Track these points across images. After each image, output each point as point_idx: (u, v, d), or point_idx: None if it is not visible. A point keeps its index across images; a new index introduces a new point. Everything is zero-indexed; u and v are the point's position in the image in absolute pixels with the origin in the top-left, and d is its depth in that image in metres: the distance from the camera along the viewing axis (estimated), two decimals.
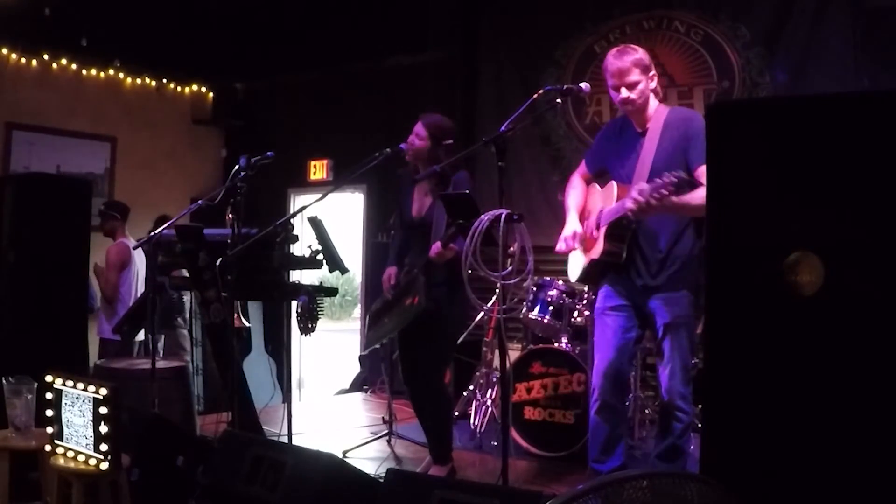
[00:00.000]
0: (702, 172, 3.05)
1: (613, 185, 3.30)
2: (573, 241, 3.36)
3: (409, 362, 3.85)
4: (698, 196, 3.00)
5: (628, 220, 3.16)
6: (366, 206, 7.52)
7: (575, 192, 3.55)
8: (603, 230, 3.26)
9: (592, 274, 3.43)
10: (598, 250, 3.28)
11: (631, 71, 3.21)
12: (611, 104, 5.86)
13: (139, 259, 5.76)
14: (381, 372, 6.10)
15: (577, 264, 3.49)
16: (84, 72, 7.54)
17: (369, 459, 4.21)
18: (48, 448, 2.95)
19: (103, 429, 2.77)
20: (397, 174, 3.92)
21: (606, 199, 3.31)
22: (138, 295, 5.77)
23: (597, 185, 3.50)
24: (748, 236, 2.07)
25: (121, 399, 2.82)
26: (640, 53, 3.26)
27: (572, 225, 3.41)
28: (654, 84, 3.25)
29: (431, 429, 3.81)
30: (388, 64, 7.25)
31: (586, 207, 3.49)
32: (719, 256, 2.15)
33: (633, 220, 3.15)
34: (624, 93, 3.23)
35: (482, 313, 4.56)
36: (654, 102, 3.28)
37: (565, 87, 3.18)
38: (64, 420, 2.91)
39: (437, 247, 3.40)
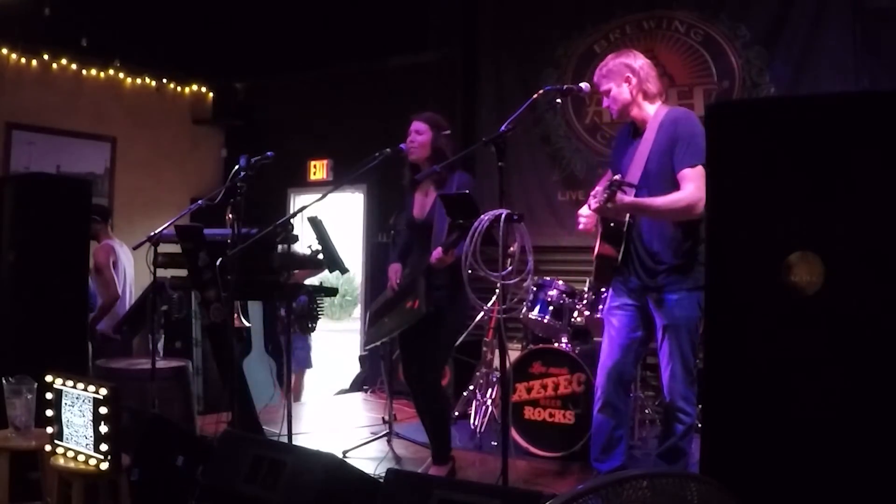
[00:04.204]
0: (683, 176, 3.10)
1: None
2: (587, 219, 3.38)
3: (410, 362, 3.85)
4: (664, 200, 3.08)
5: (616, 221, 3.22)
6: (366, 206, 7.52)
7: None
8: (599, 231, 3.30)
9: (603, 275, 3.45)
10: (595, 250, 3.32)
11: (600, 83, 3.34)
12: None
13: (126, 258, 5.75)
14: (381, 372, 6.10)
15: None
16: (84, 72, 7.55)
17: (369, 459, 4.21)
18: (48, 448, 2.95)
19: (103, 429, 2.77)
20: (402, 184, 3.91)
21: None
22: (129, 296, 5.77)
23: None
24: (748, 236, 2.07)
25: (121, 399, 2.82)
26: (610, 63, 3.32)
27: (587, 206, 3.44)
28: (630, 86, 3.26)
29: (430, 428, 3.82)
30: (388, 64, 7.26)
31: None
32: (719, 256, 2.15)
33: (620, 221, 3.22)
34: (604, 101, 3.38)
35: (482, 313, 4.56)
36: (647, 104, 3.29)
37: (565, 87, 3.20)
38: (64, 420, 2.91)
39: (437, 252, 3.40)
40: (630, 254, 3.28)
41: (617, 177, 3.02)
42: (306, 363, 6.67)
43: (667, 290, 3.22)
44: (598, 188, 3.09)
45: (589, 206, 3.14)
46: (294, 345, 6.50)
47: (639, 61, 3.30)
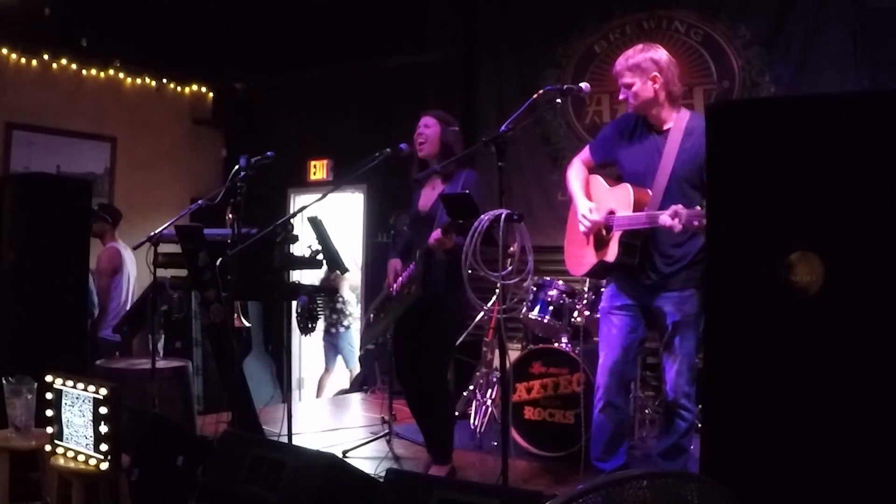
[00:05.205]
0: None
1: (628, 187, 3.24)
2: (592, 216, 3.32)
3: (406, 362, 3.84)
4: None
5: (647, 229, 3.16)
6: (366, 206, 7.52)
7: (577, 176, 3.52)
8: (617, 236, 3.23)
9: (599, 271, 3.44)
10: (612, 254, 3.25)
11: (623, 74, 3.26)
12: (611, 104, 5.88)
13: (130, 262, 5.77)
14: (383, 372, 6.11)
15: (581, 261, 3.48)
16: (84, 72, 7.54)
17: (369, 459, 4.21)
18: (48, 448, 2.95)
19: (103, 429, 2.77)
20: (412, 179, 3.91)
21: (619, 201, 3.26)
22: (131, 297, 5.78)
23: (600, 178, 3.47)
24: (748, 236, 2.07)
25: (121, 399, 2.82)
26: (638, 57, 3.24)
27: (586, 203, 3.38)
28: (656, 86, 3.21)
29: (432, 428, 3.81)
30: (389, 64, 7.25)
31: (589, 195, 3.47)
32: (719, 256, 2.16)
33: (641, 233, 3.17)
34: (622, 93, 3.29)
35: (482, 313, 4.56)
36: (670, 106, 3.25)
37: (565, 87, 3.17)
38: (64, 420, 2.91)
39: (436, 234, 3.39)
40: (642, 253, 3.25)
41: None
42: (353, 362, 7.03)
43: (677, 288, 3.21)
44: (682, 209, 2.93)
45: (673, 227, 2.97)
46: (343, 343, 6.90)
47: (665, 59, 3.25)
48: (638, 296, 3.31)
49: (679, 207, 2.96)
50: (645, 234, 3.20)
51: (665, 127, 3.26)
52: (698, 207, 2.93)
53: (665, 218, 2.99)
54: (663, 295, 3.24)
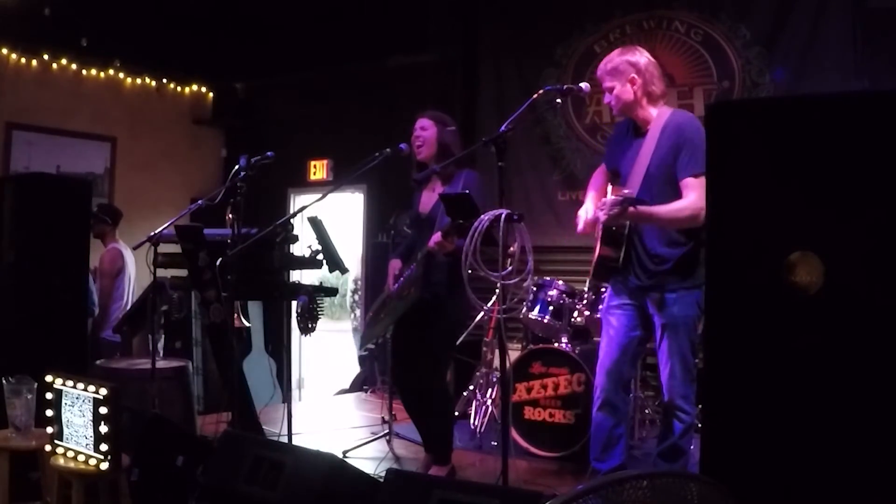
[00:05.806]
0: (686, 184, 3.09)
1: (610, 188, 3.38)
2: (585, 222, 3.38)
3: (405, 362, 3.84)
4: (668, 209, 3.09)
5: (618, 225, 3.23)
6: (366, 206, 7.53)
7: (597, 180, 3.60)
8: (598, 234, 3.32)
9: (600, 273, 3.47)
10: (595, 253, 3.34)
11: (603, 78, 3.32)
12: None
13: (131, 262, 5.77)
14: (383, 372, 6.11)
15: (590, 265, 3.55)
16: (84, 72, 7.54)
17: (369, 459, 4.21)
18: (48, 448, 2.95)
19: (103, 429, 2.77)
20: (412, 181, 3.92)
21: None
22: (132, 297, 5.79)
23: (609, 186, 3.55)
24: (748, 236, 2.07)
25: (121, 399, 2.82)
26: (616, 60, 3.29)
27: (587, 206, 3.44)
28: (634, 87, 3.24)
29: (432, 428, 3.81)
30: (388, 64, 7.25)
31: None
32: (719, 256, 2.16)
33: (621, 226, 3.23)
34: (605, 97, 3.36)
35: (482, 313, 4.56)
36: (649, 105, 3.28)
37: (565, 87, 3.20)
38: (64, 420, 2.91)
39: (437, 237, 3.39)
40: (630, 255, 3.29)
41: (627, 191, 3.02)
42: None
43: (666, 290, 3.23)
44: (608, 199, 3.05)
45: (599, 218, 3.13)
46: None
47: (643, 60, 3.28)
48: (634, 296, 3.34)
49: (607, 199, 3.05)
50: (622, 233, 3.26)
51: (647, 127, 3.30)
52: (619, 196, 2.99)
53: (596, 212, 3.15)
54: (651, 296, 3.26)
